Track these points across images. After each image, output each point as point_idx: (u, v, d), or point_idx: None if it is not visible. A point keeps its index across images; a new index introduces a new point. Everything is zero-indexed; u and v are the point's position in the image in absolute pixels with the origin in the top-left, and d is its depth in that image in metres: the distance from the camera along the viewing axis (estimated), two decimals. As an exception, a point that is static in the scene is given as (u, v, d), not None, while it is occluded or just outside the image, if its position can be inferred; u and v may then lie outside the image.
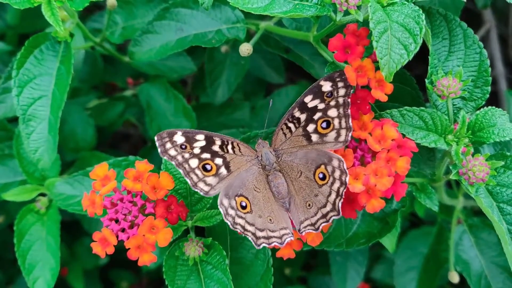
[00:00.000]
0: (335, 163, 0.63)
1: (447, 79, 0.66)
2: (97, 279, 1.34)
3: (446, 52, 0.72)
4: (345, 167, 0.63)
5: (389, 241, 0.80)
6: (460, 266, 0.92)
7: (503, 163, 0.65)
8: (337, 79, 0.64)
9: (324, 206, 0.64)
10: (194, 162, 0.64)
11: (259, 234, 0.65)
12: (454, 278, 0.90)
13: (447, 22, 0.72)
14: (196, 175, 0.65)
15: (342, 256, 1.12)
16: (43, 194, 0.92)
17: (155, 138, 0.64)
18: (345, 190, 0.63)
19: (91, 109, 1.16)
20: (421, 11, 0.60)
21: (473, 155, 0.65)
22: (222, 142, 0.66)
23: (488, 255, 0.91)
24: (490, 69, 0.71)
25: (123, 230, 0.65)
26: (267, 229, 0.65)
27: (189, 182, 0.64)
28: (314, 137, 0.66)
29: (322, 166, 0.64)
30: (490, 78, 0.71)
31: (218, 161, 0.65)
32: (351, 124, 0.64)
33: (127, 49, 0.91)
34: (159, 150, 0.64)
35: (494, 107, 0.67)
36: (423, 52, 0.68)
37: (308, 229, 0.65)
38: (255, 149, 0.68)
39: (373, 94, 0.64)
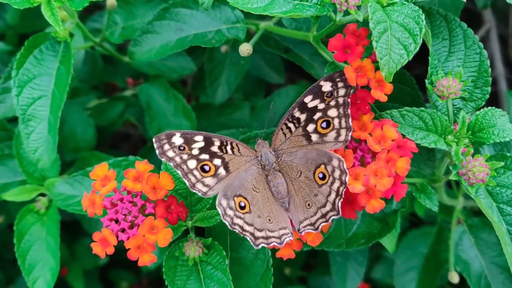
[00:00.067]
0: (335, 162, 0.63)
1: (447, 79, 0.66)
2: (97, 279, 1.34)
3: (446, 52, 0.72)
4: (345, 167, 0.63)
5: (389, 242, 0.80)
6: (460, 266, 0.92)
7: (503, 163, 0.65)
8: (337, 79, 0.64)
9: (324, 205, 0.64)
10: (192, 163, 0.64)
11: (258, 234, 0.65)
12: (454, 278, 0.90)
13: (447, 23, 0.72)
14: (195, 176, 0.65)
15: (342, 256, 1.12)
16: (43, 194, 0.92)
17: (153, 140, 0.64)
18: (344, 190, 0.63)
19: (91, 109, 1.16)
20: (421, 11, 0.60)
21: (473, 155, 0.65)
22: (221, 142, 0.66)
23: (488, 255, 0.91)
24: (490, 70, 0.71)
25: (123, 230, 0.65)
26: (266, 229, 0.65)
27: (187, 183, 0.64)
28: (314, 137, 0.66)
29: (322, 166, 0.64)
30: (490, 79, 0.71)
31: (217, 161, 0.65)
32: (351, 123, 0.64)
33: (127, 49, 0.91)
34: (157, 152, 0.64)
35: (494, 107, 0.67)
36: (423, 52, 0.68)
37: (308, 229, 0.65)
38: (254, 149, 0.68)
39: (373, 94, 0.64)
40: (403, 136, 0.65)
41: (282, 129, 0.67)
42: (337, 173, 0.63)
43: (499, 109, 0.67)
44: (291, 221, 0.66)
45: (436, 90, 0.66)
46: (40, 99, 0.81)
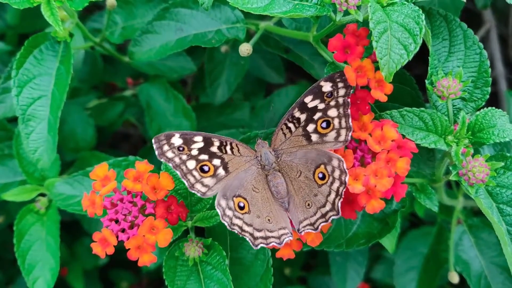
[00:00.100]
0: (335, 162, 0.63)
1: (447, 80, 0.66)
2: (97, 279, 1.34)
3: (446, 52, 0.72)
4: (344, 167, 0.63)
5: (389, 242, 0.80)
6: (460, 266, 0.92)
7: (503, 164, 0.65)
8: (337, 80, 0.64)
9: (324, 205, 0.64)
10: (191, 164, 0.64)
11: (257, 234, 0.65)
12: (454, 278, 0.90)
13: (447, 23, 0.72)
14: (194, 176, 0.65)
15: (342, 256, 1.12)
16: (42, 194, 0.92)
17: (153, 141, 0.64)
18: (344, 190, 0.63)
19: (91, 109, 1.16)
20: (421, 11, 0.60)
21: (473, 156, 0.65)
22: (221, 143, 0.66)
23: (488, 255, 0.91)
24: (490, 70, 0.71)
25: (123, 230, 0.65)
26: (266, 229, 0.65)
27: (186, 183, 0.64)
28: (314, 137, 0.66)
29: (322, 166, 0.64)
30: (490, 79, 0.71)
31: (216, 162, 0.65)
32: (351, 123, 0.64)
33: (127, 49, 0.91)
34: (156, 152, 0.64)
35: (494, 108, 0.67)
36: (423, 52, 0.68)
37: (307, 229, 0.65)
38: (254, 150, 0.68)
39: (373, 94, 0.64)
40: (403, 136, 0.65)
41: (282, 129, 0.67)
42: (337, 173, 0.63)
43: (499, 110, 0.67)
44: (290, 221, 0.66)
45: (436, 91, 0.66)
46: (40, 99, 0.81)
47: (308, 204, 0.65)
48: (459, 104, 0.71)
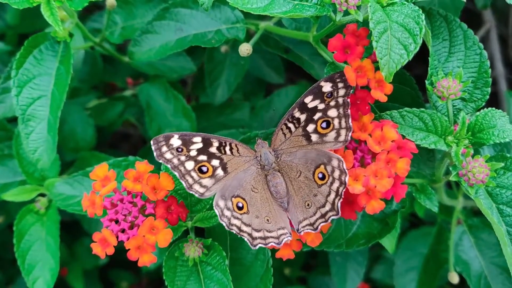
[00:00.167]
0: (335, 163, 0.63)
1: (447, 80, 0.66)
2: (96, 279, 1.34)
3: (446, 53, 0.72)
4: (344, 167, 0.63)
5: (389, 242, 0.80)
6: (460, 266, 0.92)
7: (502, 164, 0.65)
8: (337, 80, 0.64)
9: (323, 206, 0.64)
10: (190, 165, 0.64)
11: (256, 234, 0.65)
12: (454, 278, 0.90)
13: (448, 23, 0.72)
14: (192, 177, 0.65)
15: (342, 256, 1.12)
16: (42, 195, 0.92)
17: (151, 142, 0.64)
18: (344, 190, 0.63)
19: (90, 109, 1.16)
20: (421, 11, 0.60)
21: (473, 156, 0.64)
22: (220, 143, 0.66)
23: (488, 255, 0.91)
24: (490, 70, 0.71)
25: (123, 230, 0.65)
26: (264, 229, 0.65)
27: (184, 184, 0.64)
28: (314, 137, 0.66)
29: (322, 166, 0.64)
30: (490, 80, 0.71)
31: (215, 162, 0.65)
32: (351, 124, 0.64)
33: (126, 49, 0.91)
34: (155, 154, 0.64)
35: (494, 108, 0.67)
36: (423, 52, 0.68)
37: (307, 229, 0.65)
38: (254, 150, 0.68)
39: (373, 94, 0.64)
40: (403, 137, 0.65)
41: (282, 129, 0.67)
42: (336, 173, 0.63)
43: (499, 110, 0.67)
44: (290, 221, 0.66)
45: (436, 91, 0.66)
46: (39, 99, 0.81)
47: (308, 204, 0.65)
48: (459, 105, 0.71)
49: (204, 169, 0.65)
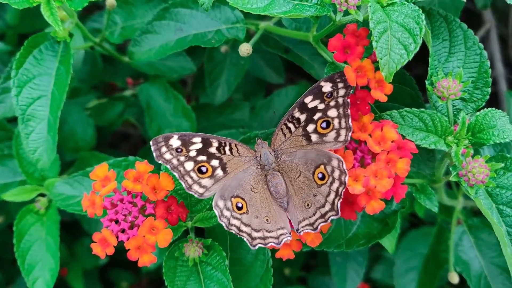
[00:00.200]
0: (335, 163, 0.63)
1: (447, 80, 0.66)
2: (96, 279, 1.34)
3: (446, 53, 0.72)
4: (344, 167, 0.63)
5: (388, 242, 0.80)
6: (460, 266, 0.92)
7: (502, 165, 0.65)
8: (337, 80, 0.64)
9: (323, 206, 0.64)
10: (189, 165, 0.64)
11: (255, 234, 0.65)
12: (454, 278, 0.90)
13: (448, 23, 0.72)
14: (191, 177, 0.65)
15: (342, 256, 1.12)
16: (42, 195, 0.92)
17: (151, 143, 0.64)
18: (344, 190, 0.63)
19: (90, 109, 1.16)
20: (420, 11, 0.60)
21: (473, 156, 0.64)
22: (220, 143, 0.66)
23: (488, 255, 0.91)
24: (490, 71, 0.71)
25: (123, 231, 0.65)
26: (264, 229, 0.65)
27: (183, 185, 0.64)
28: (314, 137, 0.65)
29: (322, 166, 0.64)
30: (490, 80, 0.71)
31: (214, 162, 0.65)
32: (351, 124, 0.64)
33: (126, 49, 0.91)
34: (154, 154, 0.64)
35: (494, 108, 0.67)
36: (423, 52, 0.68)
37: (307, 229, 0.65)
38: (254, 150, 0.68)
39: (373, 94, 0.64)
40: (403, 137, 0.65)
41: (282, 129, 0.67)
42: (336, 173, 0.63)
43: (499, 110, 0.67)
44: (289, 221, 0.66)
45: (436, 91, 0.66)
46: (39, 99, 0.81)
47: (308, 204, 0.65)
48: (459, 105, 0.71)
49: (204, 169, 0.65)
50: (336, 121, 0.64)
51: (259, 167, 0.67)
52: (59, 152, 0.90)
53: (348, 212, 0.66)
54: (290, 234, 0.65)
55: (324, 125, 0.65)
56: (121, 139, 1.54)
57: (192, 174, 0.65)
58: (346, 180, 0.62)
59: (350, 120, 0.64)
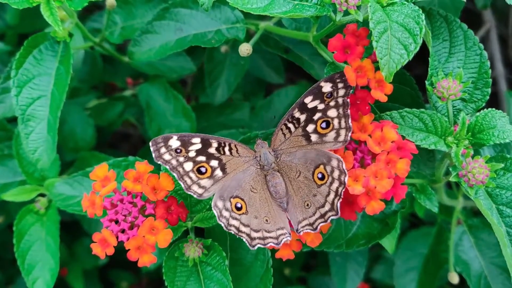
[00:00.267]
0: (334, 163, 0.63)
1: (447, 80, 0.65)
2: (96, 279, 1.34)
3: (447, 53, 0.72)
4: (344, 167, 0.63)
5: (388, 242, 0.80)
6: (460, 266, 0.92)
7: (502, 165, 0.65)
8: (337, 80, 0.64)
9: (323, 206, 0.64)
10: (188, 166, 0.64)
11: (254, 235, 0.65)
12: (454, 278, 0.90)
13: (448, 24, 0.72)
14: (190, 178, 0.64)
15: (341, 256, 1.12)
16: (42, 195, 0.92)
17: (150, 143, 0.64)
18: (344, 190, 0.63)
19: (90, 109, 1.16)
20: (421, 11, 0.60)
21: (473, 157, 0.64)
22: (219, 144, 0.66)
23: (488, 255, 0.91)
24: (490, 71, 0.71)
25: (123, 231, 0.65)
26: (263, 229, 0.65)
27: (182, 185, 0.64)
28: (314, 137, 0.65)
29: (321, 166, 0.64)
30: (491, 80, 0.71)
31: (214, 163, 0.65)
32: (350, 124, 0.64)
33: (126, 49, 0.91)
34: (153, 155, 0.64)
35: (494, 109, 0.67)
36: (423, 52, 0.68)
37: (306, 229, 0.65)
38: (253, 150, 0.67)
39: (373, 94, 0.64)
40: (403, 137, 0.65)
41: (281, 129, 0.67)
42: (336, 174, 0.63)
43: (499, 111, 0.67)
44: (289, 221, 0.66)
45: (436, 92, 0.66)
46: (39, 99, 0.81)
47: (307, 204, 0.65)
48: (459, 105, 0.71)
49: (203, 170, 0.65)
50: (336, 121, 0.64)
51: (259, 167, 0.67)
52: (59, 152, 0.90)
53: (348, 212, 0.66)
54: (289, 234, 0.65)
55: (324, 125, 0.65)
56: (121, 139, 1.54)
57: (191, 174, 0.65)
58: (346, 180, 0.62)
59: (350, 120, 0.64)
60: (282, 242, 0.65)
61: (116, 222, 0.65)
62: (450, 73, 0.66)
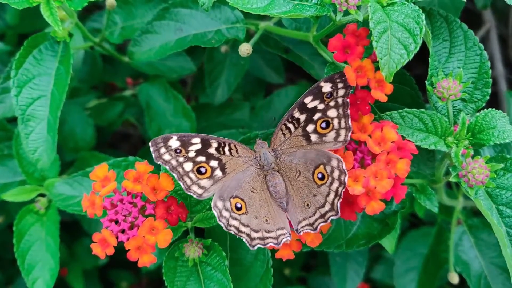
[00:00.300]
0: (334, 163, 0.63)
1: (447, 81, 0.65)
2: (96, 279, 1.34)
3: (447, 53, 0.72)
4: (344, 167, 0.63)
5: (388, 242, 0.80)
6: (459, 266, 0.92)
7: (502, 165, 0.65)
8: (337, 80, 0.64)
9: (323, 206, 0.64)
10: (188, 166, 0.64)
11: (254, 235, 0.65)
12: (454, 278, 0.90)
13: (448, 24, 0.72)
14: (190, 178, 0.64)
15: (341, 256, 1.12)
16: (42, 195, 0.92)
17: (150, 144, 0.64)
18: (343, 190, 0.63)
19: (90, 109, 1.16)
20: (421, 11, 0.60)
21: (473, 157, 0.64)
22: (219, 144, 0.66)
23: (488, 255, 0.91)
24: (490, 71, 0.71)
25: (123, 231, 0.65)
26: (263, 229, 0.65)
27: (182, 185, 0.64)
28: (314, 137, 0.65)
29: (321, 166, 0.64)
30: (491, 80, 0.71)
31: (214, 163, 0.65)
32: (350, 124, 0.64)
33: (126, 49, 0.91)
34: (153, 155, 0.64)
35: (494, 109, 0.67)
36: (423, 52, 0.68)
37: (306, 229, 0.65)
38: (253, 150, 0.67)
39: (373, 94, 0.64)
40: (403, 137, 0.65)
41: (281, 129, 0.67)
42: (336, 174, 0.63)
43: (499, 111, 0.67)
44: (289, 221, 0.66)
45: (436, 92, 0.66)
46: (39, 99, 0.81)
47: (307, 205, 0.65)
48: (459, 105, 0.71)
49: (203, 170, 0.65)
50: (335, 121, 0.64)
51: (259, 167, 0.67)
52: (59, 152, 0.90)
53: (348, 212, 0.66)
54: (289, 234, 0.65)
55: (323, 125, 0.65)
56: (121, 139, 1.54)
57: (191, 175, 0.65)
58: (346, 180, 0.62)
59: (349, 120, 0.64)
60: (282, 242, 0.65)
61: (116, 222, 0.65)
62: (450, 73, 0.66)
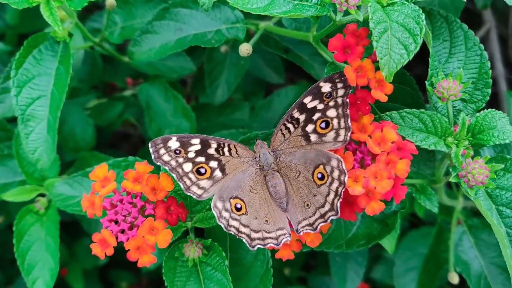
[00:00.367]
0: (334, 163, 0.63)
1: (447, 81, 0.65)
2: (96, 279, 1.34)
3: (447, 54, 0.72)
4: (343, 167, 0.63)
5: (388, 242, 0.80)
6: (459, 266, 0.92)
7: (502, 166, 0.65)
8: (336, 80, 0.64)
9: (323, 206, 0.64)
10: (188, 166, 0.64)
11: (254, 235, 0.65)
12: (454, 278, 0.90)
13: (448, 24, 0.72)
14: (190, 179, 0.64)
15: (341, 257, 1.12)
16: (42, 195, 0.92)
17: (149, 144, 0.64)
18: (343, 190, 0.63)
19: (90, 109, 1.16)
20: (421, 11, 0.60)
21: (472, 157, 0.64)
22: (218, 145, 0.66)
23: (488, 256, 0.91)
24: (490, 71, 0.71)
25: (122, 231, 0.65)
26: (263, 230, 0.65)
27: (182, 186, 0.64)
28: (313, 137, 0.65)
29: (321, 166, 0.64)
30: (491, 81, 0.71)
31: (213, 164, 0.65)
32: (350, 124, 0.64)
33: (126, 49, 0.91)
34: (152, 156, 0.64)
35: (494, 109, 0.67)
36: (423, 52, 0.68)
37: (306, 229, 0.65)
38: (253, 151, 0.67)
39: (373, 94, 0.64)
40: (403, 138, 0.65)
41: (281, 129, 0.67)
42: (336, 173, 0.63)
43: (499, 111, 0.67)
44: (289, 222, 0.66)
45: (436, 92, 0.66)
46: (39, 99, 0.81)
47: (307, 205, 0.65)
48: (459, 106, 0.71)
49: (202, 170, 0.65)
50: (335, 121, 0.64)
51: (258, 167, 0.67)
52: (59, 152, 0.90)
53: (348, 213, 0.66)
54: (289, 234, 0.65)
55: (323, 125, 0.65)
56: (121, 139, 1.54)
57: (191, 175, 0.65)
58: (346, 180, 0.62)
59: (349, 120, 0.64)
60: (282, 242, 0.65)
61: (116, 222, 0.65)
62: (450, 73, 0.66)
